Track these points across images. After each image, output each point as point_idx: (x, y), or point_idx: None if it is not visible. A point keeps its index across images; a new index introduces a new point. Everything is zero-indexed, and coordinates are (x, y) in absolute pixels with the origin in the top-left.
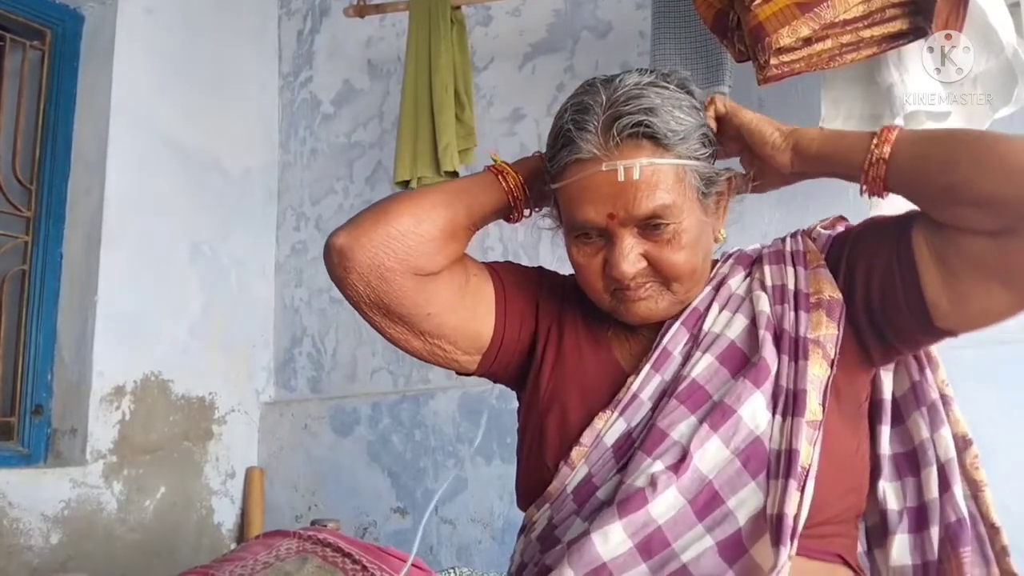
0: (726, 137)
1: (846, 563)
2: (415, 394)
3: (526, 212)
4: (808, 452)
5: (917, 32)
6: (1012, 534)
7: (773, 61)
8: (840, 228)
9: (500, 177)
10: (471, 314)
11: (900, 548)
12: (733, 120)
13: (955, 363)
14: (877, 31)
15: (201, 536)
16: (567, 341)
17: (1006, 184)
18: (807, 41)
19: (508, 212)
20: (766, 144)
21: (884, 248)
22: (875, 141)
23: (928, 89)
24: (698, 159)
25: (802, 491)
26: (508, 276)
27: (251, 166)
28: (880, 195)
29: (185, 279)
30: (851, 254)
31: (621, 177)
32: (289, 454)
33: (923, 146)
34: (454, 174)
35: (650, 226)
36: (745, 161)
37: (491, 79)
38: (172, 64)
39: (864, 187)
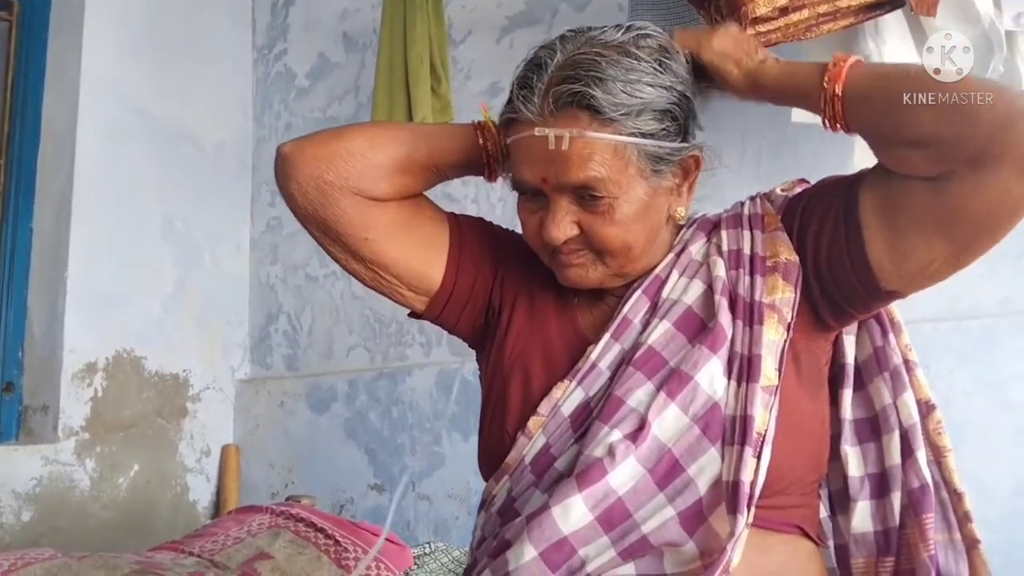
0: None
1: (805, 534)
2: (392, 371)
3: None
4: (764, 418)
5: (894, 2)
6: (986, 507)
7: (750, 31)
8: (798, 190)
9: (479, 132)
10: (416, 252)
11: (862, 515)
12: (698, 58)
13: (930, 339)
14: (854, 0)
15: (176, 514)
16: (537, 307)
17: (945, 124)
18: (784, 11)
19: (482, 169)
20: (727, 83)
21: (832, 208)
22: (826, 77)
23: (905, 61)
24: (647, 136)
25: (758, 458)
26: (470, 229)
27: (225, 140)
28: (845, 131)
29: (158, 255)
30: (803, 215)
31: (551, 145)
32: (265, 431)
33: (873, 81)
34: None
35: (586, 196)
36: None
37: (469, 52)
38: (144, 36)
39: (827, 125)
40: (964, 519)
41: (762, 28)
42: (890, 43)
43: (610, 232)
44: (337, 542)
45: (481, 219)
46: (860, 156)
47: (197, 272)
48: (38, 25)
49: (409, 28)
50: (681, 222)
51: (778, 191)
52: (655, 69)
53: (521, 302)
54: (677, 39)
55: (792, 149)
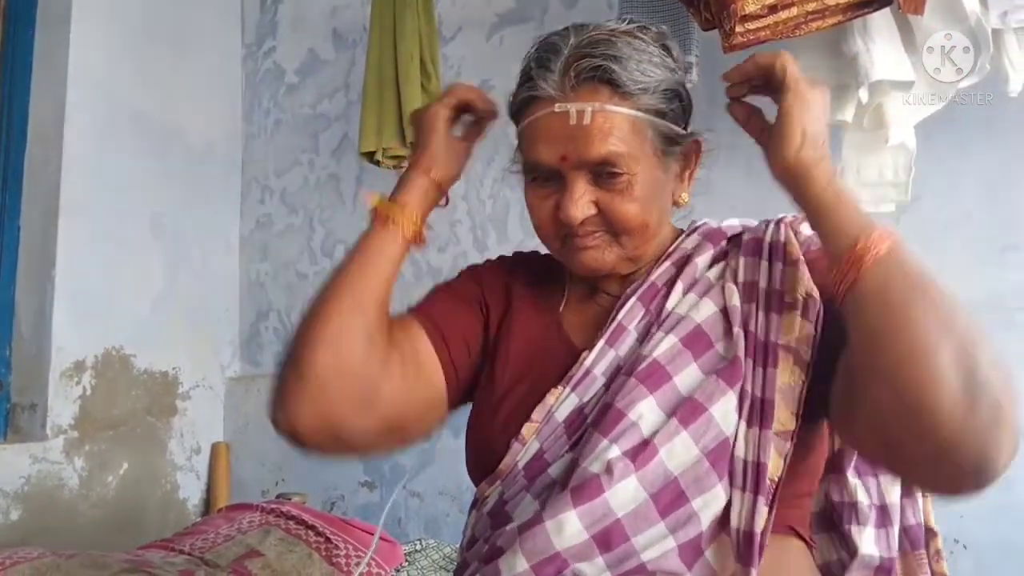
0: (744, 94)
1: (798, 535)
2: None
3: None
4: (778, 465)
5: (882, 0)
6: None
7: (739, 29)
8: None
9: (392, 225)
10: (420, 383)
11: (868, 540)
12: (784, 88)
13: None
14: None
15: (166, 512)
16: (516, 327)
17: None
18: (772, 8)
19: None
20: (783, 141)
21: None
22: (848, 257)
23: (893, 59)
24: (660, 114)
25: (770, 506)
26: (438, 310)
27: (214, 137)
28: (840, 302)
29: (147, 252)
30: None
31: (572, 120)
32: (255, 429)
33: (884, 296)
34: None
35: (603, 174)
36: (748, 123)
37: (459, 49)
38: (132, 31)
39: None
40: (936, 556)
41: (751, 26)
42: (878, 41)
43: (629, 209)
44: (328, 539)
45: (436, 289)
46: (847, 153)
47: (186, 270)
48: (24, 19)
49: (399, 25)
50: (685, 209)
51: (806, 222)
52: (661, 52)
53: (506, 321)
54: (783, 56)
55: None
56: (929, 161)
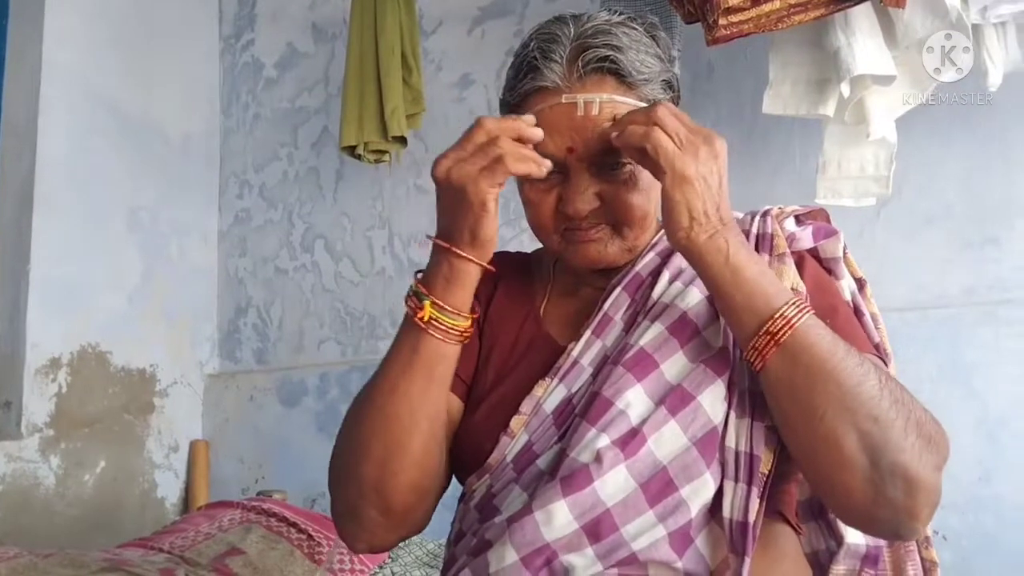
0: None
1: (785, 520)
2: (364, 364)
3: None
4: (769, 458)
5: None
6: (952, 494)
7: (722, 21)
8: (809, 241)
9: (451, 338)
10: (451, 428)
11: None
12: (659, 170)
13: (897, 328)
14: None
15: (144, 510)
16: (500, 324)
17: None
18: (755, 1)
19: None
20: (670, 225)
21: None
22: (753, 346)
23: (875, 53)
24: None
25: (762, 497)
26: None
27: (192, 131)
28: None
29: (123, 247)
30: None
31: (580, 111)
32: (235, 426)
33: (789, 385)
34: (402, 139)
35: (607, 165)
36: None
37: (440, 43)
38: (107, 23)
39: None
40: (925, 542)
41: (734, 19)
42: (860, 36)
43: (634, 201)
44: (310, 536)
45: None
46: (829, 147)
47: (164, 265)
48: None
49: (379, 18)
50: None
51: (792, 216)
52: (652, 40)
53: (491, 318)
54: (649, 138)
55: (762, 140)
56: (909, 155)
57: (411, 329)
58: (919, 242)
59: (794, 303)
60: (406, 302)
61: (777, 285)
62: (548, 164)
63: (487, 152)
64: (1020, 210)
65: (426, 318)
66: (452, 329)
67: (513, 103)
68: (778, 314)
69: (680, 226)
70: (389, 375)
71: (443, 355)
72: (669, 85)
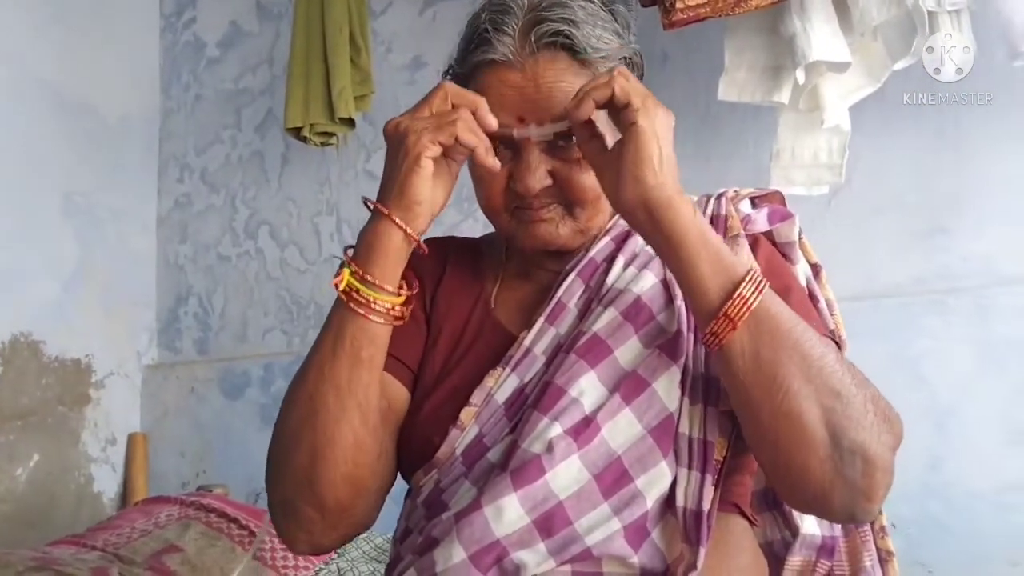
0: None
1: (741, 512)
2: None
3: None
4: (722, 444)
5: None
6: (901, 482)
7: (679, 5)
8: (764, 225)
9: (374, 313)
10: (395, 416)
11: (811, 519)
12: (630, 108)
13: (849, 316)
14: None
15: (80, 506)
16: (447, 312)
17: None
18: None
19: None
20: (640, 166)
21: None
22: (720, 316)
23: (829, 40)
24: None
25: (716, 485)
26: (394, 343)
27: (130, 112)
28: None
29: (58, 233)
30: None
31: (531, 85)
32: (175, 419)
33: (754, 357)
34: (349, 121)
35: (559, 143)
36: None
37: (390, 24)
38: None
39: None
40: (881, 532)
41: (691, 2)
42: (815, 22)
43: (585, 180)
44: (252, 533)
45: None
46: (783, 134)
47: (101, 251)
48: None
49: None
50: None
51: (747, 199)
52: (612, 19)
53: (437, 305)
54: (614, 83)
55: (716, 127)
56: (860, 145)
57: (337, 307)
58: (869, 231)
59: (756, 271)
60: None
61: (733, 255)
62: (497, 164)
63: (443, 115)
64: (970, 200)
65: (342, 285)
66: (375, 304)
67: (462, 75)
68: (747, 278)
69: (652, 166)
70: (315, 358)
71: (370, 336)
72: (630, 62)
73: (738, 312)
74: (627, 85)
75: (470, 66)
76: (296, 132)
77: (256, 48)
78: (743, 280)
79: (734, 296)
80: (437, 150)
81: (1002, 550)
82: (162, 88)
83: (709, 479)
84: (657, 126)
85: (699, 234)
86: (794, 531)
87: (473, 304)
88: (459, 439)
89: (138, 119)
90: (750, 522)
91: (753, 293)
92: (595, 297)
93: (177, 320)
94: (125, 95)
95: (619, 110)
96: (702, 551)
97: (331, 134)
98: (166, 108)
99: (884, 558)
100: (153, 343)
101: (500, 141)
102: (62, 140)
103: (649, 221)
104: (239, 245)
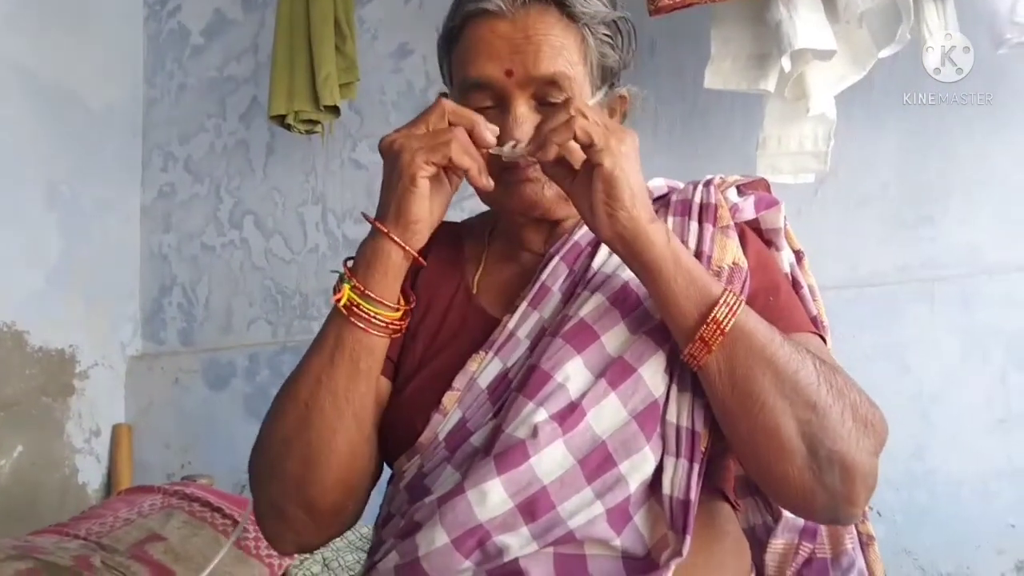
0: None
1: (724, 497)
2: (296, 345)
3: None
4: (706, 434)
5: None
6: (887, 470)
7: None
8: (752, 212)
9: (374, 328)
10: (378, 411)
11: None
12: (594, 151)
13: (833, 305)
14: None
15: (64, 497)
16: (429, 296)
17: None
18: None
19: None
20: (614, 203)
21: None
22: (698, 338)
23: (815, 28)
24: (604, 46)
25: (701, 474)
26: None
27: (113, 101)
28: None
29: (41, 223)
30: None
31: (521, 34)
32: (159, 410)
33: (730, 375)
34: (334, 109)
35: (547, 98)
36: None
37: (376, 11)
38: None
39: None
40: (861, 515)
41: None
42: (801, 10)
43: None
44: (236, 521)
45: None
46: (769, 123)
47: (84, 241)
48: None
49: None
50: None
51: (735, 187)
52: None
53: (418, 289)
54: (575, 124)
55: (703, 117)
56: (846, 135)
57: (335, 316)
58: (855, 221)
59: (731, 291)
60: (334, 288)
61: (709, 275)
62: (490, 184)
63: (438, 134)
64: (954, 189)
65: (343, 301)
66: (376, 319)
67: (453, 27)
68: (721, 300)
69: (623, 204)
70: (312, 366)
71: (369, 348)
72: (616, 29)
73: (712, 335)
74: (586, 124)
75: (461, 16)
76: (281, 120)
77: (240, 36)
78: (716, 303)
79: (708, 320)
80: (431, 170)
81: (987, 537)
82: (146, 77)
83: (696, 468)
84: (622, 162)
85: (673, 260)
86: (776, 515)
87: (455, 289)
88: (442, 424)
89: (121, 108)
90: (733, 507)
91: (727, 316)
92: (580, 281)
93: (161, 310)
94: (108, 84)
95: (582, 147)
96: (688, 539)
97: (316, 122)
98: (150, 97)
99: (865, 542)
100: (137, 333)
101: (488, 86)
102: (45, 129)
103: (625, 251)
104: (224, 235)
